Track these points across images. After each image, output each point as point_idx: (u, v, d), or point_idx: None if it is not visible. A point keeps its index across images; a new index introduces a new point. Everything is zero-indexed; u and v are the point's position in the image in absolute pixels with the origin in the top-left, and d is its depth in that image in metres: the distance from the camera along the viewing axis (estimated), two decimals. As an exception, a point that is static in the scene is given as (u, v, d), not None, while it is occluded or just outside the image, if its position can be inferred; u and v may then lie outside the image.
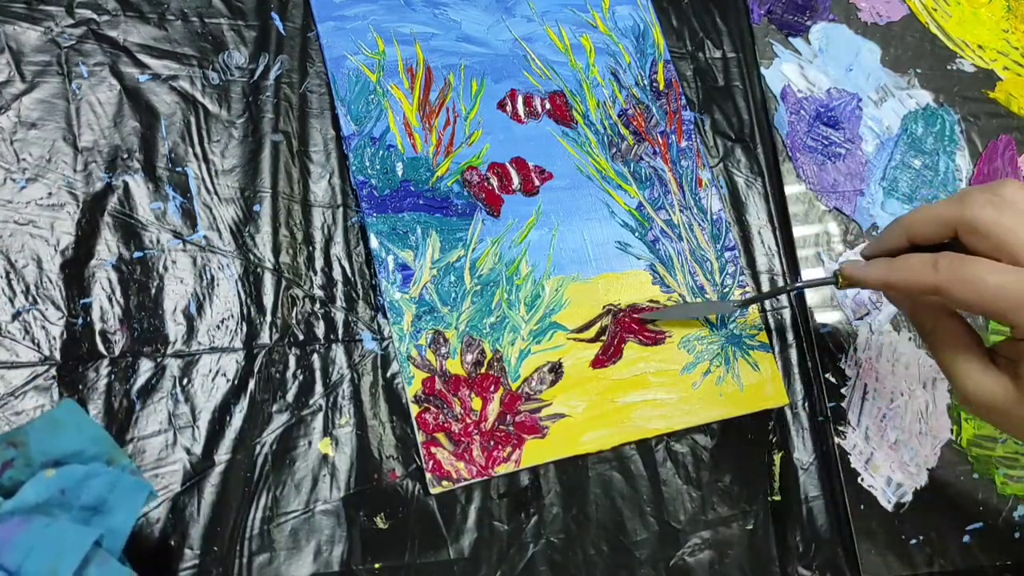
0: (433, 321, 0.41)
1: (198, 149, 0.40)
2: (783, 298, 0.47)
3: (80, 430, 0.28)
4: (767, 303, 0.47)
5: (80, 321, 0.36)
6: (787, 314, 0.47)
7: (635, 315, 0.43)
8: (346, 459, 0.38)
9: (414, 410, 0.39)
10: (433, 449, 0.39)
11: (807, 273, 0.48)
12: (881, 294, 0.48)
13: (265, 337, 0.39)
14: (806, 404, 0.46)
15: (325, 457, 0.38)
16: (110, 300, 0.37)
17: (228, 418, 0.37)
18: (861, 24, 0.55)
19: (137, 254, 0.38)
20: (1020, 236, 0.32)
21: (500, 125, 0.45)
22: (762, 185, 0.49)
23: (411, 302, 0.41)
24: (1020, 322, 0.32)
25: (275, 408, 0.38)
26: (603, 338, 0.43)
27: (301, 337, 0.39)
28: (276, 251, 0.40)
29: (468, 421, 0.40)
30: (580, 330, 0.43)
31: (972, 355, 0.35)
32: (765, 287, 0.47)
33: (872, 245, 0.39)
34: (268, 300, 0.39)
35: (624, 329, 0.43)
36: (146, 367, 0.37)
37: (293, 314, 0.39)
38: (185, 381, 0.37)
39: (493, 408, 0.40)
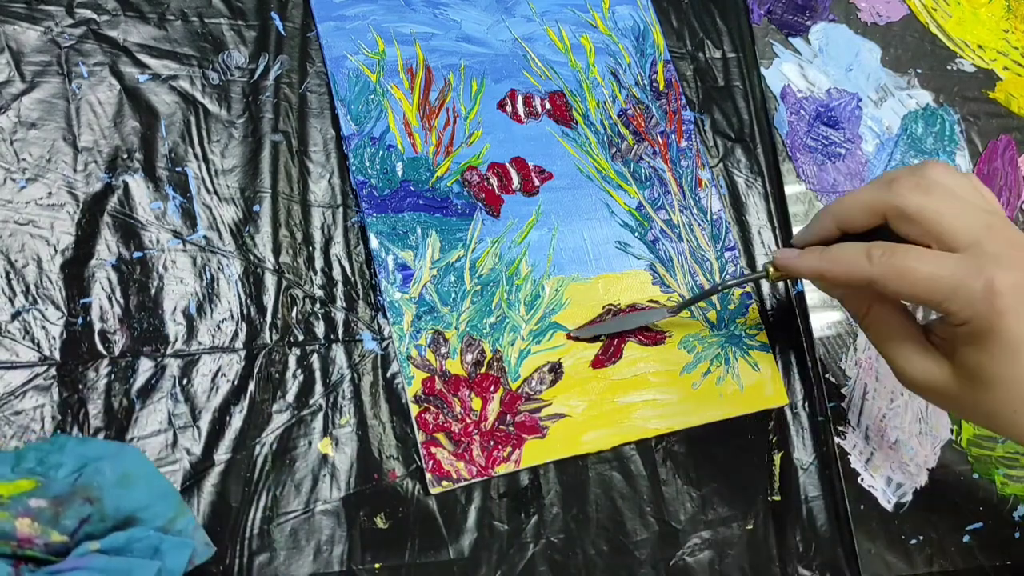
0: (433, 321, 0.41)
1: (198, 149, 0.40)
2: (783, 297, 0.47)
3: (150, 484, 0.29)
4: (767, 303, 0.47)
5: (80, 321, 0.36)
6: (787, 314, 0.47)
7: (569, 335, 0.42)
8: (346, 459, 0.38)
9: (414, 410, 0.39)
10: (433, 449, 0.39)
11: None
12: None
13: (265, 337, 0.39)
14: (806, 404, 0.46)
15: (325, 457, 0.38)
16: (110, 300, 0.37)
17: (228, 418, 0.37)
18: (861, 24, 0.55)
19: (137, 254, 0.38)
20: (949, 220, 0.32)
21: (500, 125, 0.45)
22: (762, 185, 0.49)
23: (411, 302, 0.41)
24: (954, 310, 0.31)
25: (275, 408, 0.38)
26: (603, 338, 0.43)
27: (301, 337, 0.39)
28: (276, 251, 0.40)
29: (468, 421, 0.40)
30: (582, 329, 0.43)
31: (909, 340, 0.35)
32: (765, 287, 0.47)
33: (802, 233, 0.38)
34: (268, 300, 0.39)
35: (629, 334, 0.43)
36: (146, 367, 0.37)
37: (293, 314, 0.39)
38: (185, 381, 0.37)
39: (493, 408, 0.40)
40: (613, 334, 0.43)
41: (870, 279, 0.33)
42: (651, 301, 0.44)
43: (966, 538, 0.45)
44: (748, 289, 0.46)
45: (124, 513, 0.28)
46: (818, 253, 0.36)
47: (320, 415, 0.38)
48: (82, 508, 0.27)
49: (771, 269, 0.38)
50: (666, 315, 0.43)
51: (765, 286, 0.47)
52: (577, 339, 0.42)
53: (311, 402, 0.38)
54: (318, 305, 0.40)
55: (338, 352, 0.39)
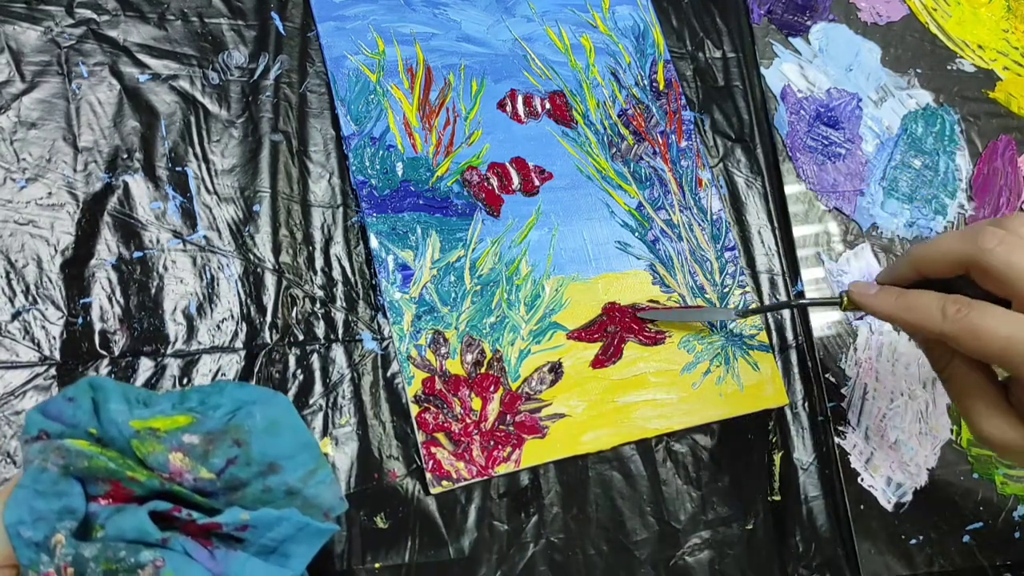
0: (433, 321, 0.41)
1: (198, 149, 0.40)
2: (784, 297, 0.47)
3: (295, 433, 0.30)
4: (769, 301, 0.47)
5: (80, 321, 0.36)
6: (787, 314, 0.47)
7: (637, 312, 0.43)
8: (346, 459, 0.38)
9: (414, 410, 0.39)
10: (433, 449, 0.39)
11: (807, 273, 0.48)
12: None
13: (265, 337, 0.39)
14: (806, 404, 0.46)
15: (325, 457, 0.38)
16: (110, 300, 0.37)
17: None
18: (861, 24, 0.55)
19: (137, 254, 0.38)
20: None
21: (500, 125, 0.45)
22: (762, 185, 0.49)
23: (411, 302, 0.41)
24: None
25: (275, 408, 0.38)
26: (607, 328, 0.43)
27: (301, 337, 0.39)
28: (276, 251, 0.40)
29: (468, 421, 0.40)
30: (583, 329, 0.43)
31: (987, 398, 0.35)
32: (765, 287, 0.47)
33: (885, 272, 0.38)
34: (268, 300, 0.39)
35: (624, 329, 0.43)
36: (146, 367, 0.37)
37: (293, 314, 0.39)
38: (185, 381, 0.37)
39: (493, 408, 0.40)
40: (677, 321, 0.44)
41: (943, 334, 0.33)
42: (651, 301, 0.44)
43: (966, 538, 0.45)
44: (748, 290, 0.46)
45: (269, 459, 0.29)
46: (895, 296, 0.35)
47: (320, 415, 0.38)
48: (230, 449, 0.28)
49: (845, 298, 0.37)
50: (733, 316, 0.43)
51: (765, 286, 0.47)
52: (644, 319, 0.43)
53: (311, 402, 0.38)
54: (318, 305, 0.40)
55: (338, 352, 0.39)
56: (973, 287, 0.33)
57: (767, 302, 0.47)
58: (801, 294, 0.47)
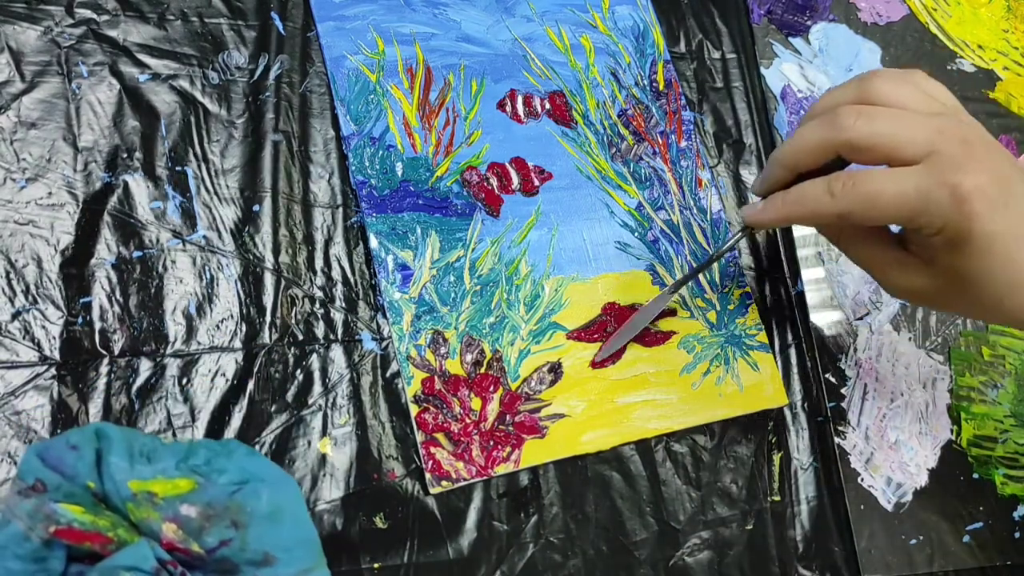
0: (433, 321, 0.41)
1: (198, 149, 0.40)
2: (783, 297, 0.47)
3: (297, 526, 0.28)
4: (767, 302, 0.47)
5: (80, 321, 0.36)
6: (787, 314, 0.47)
7: (592, 365, 0.42)
8: (345, 459, 0.38)
9: (413, 410, 0.39)
10: (433, 449, 0.39)
11: (807, 273, 0.48)
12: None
13: (265, 337, 0.39)
14: (806, 404, 0.46)
15: (324, 457, 0.38)
16: (110, 300, 0.37)
17: (227, 418, 0.37)
18: (861, 24, 0.55)
19: (137, 254, 0.38)
20: (900, 138, 0.32)
21: (500, 125, 0.45)
22: (762, 185, 0.49)
23: (411, 302, 0.41)
24: (926, 223, 0.32)
25: (274, 408, 0.38)
26: (606, 328, 0.43)
27: (301, 337, 0.39)
28: (276, 251, 0.40)
29: (467, 421, 0.40)
30: (583, 328, 0.43)
31: (886, 255, 0.36)
32: (766, 287, 0.47)
33: (759, 182, 0.38)
34: (268, 300, 0.39)
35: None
36: (146, 367, 0.37)
37: (293, 314, 0.39)
38: (184, 381, 0.37)
39: (492, 408, 0.40)
40: (628, 342, 0.43)
41: (837, 214, 0.33)
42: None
43: (966, 538, 0.45)
44: (748, 289, 0.46)
45: (264, 549, 0.27)
46: (780, 199, 0.36)
47: (319, 415, 0.38)
48: (227, 530, 0.27)
49: (745, 224, 0.38)
50: (667, 297, 0.42)
51: (766, 287, 0.47)
52: (602, 364, 0.42)
53: (310, 402, 0.38)
54: (318, 305, 0.40)
55: (337, 352, 0.39)
56: (846, 165, 0.34)
57: (767, 302, 0.47)
58: (801, 295, 0.47)
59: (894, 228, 0.36)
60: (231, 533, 0.27)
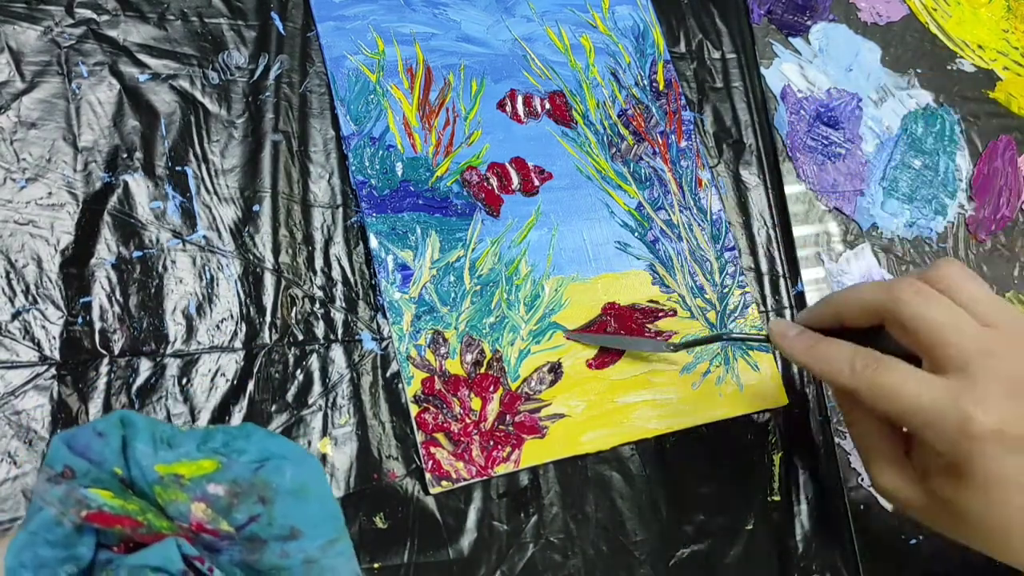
0: (433, 321, 0.41)
1: (198, 149, 0.40)
2: (784, 297, 0.47)
3: (322, 503, 0.29)
4: (767, 302, 0.47)
5: (80, 321, 0.36)
6: (787, 314, 0.47)
7: (569, 334, 0.42)
8: (345, 459, 0.38)
9: (413, 410, 0.39)
10: (432, 449, 0.39)
11: (807, 274, 0.48)
12: None
13: (264, 337, 0.39)
14: (806, 404, 0.46)
15: (324, 457, 0.38)
16: (110, 299, 0.37)
17: (227, 418, 0.37)
18: (861, 24, 0.55)
19: (137, 253, 0.38)
20: (943, 337, 0.30)
21: (500, 125, 0.45)
22: (762, 185, 0.49)
23: (411, 302, 0.41)
24: (931, 439, 0.30)
25: (274, 408, 0.38)
26: (606, 328, 0.43)
27: (301, 337, 0.39)
28: (276, 251, 0.40)
29: (467, 421, 0.40)
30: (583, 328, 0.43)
31: (886, 453, 0.34)
32: (766, 287, 0.47)
33: (805, 313, 0.37)
34: (268, 300, 0.39)
35: (624, 329, 0.43)
36: (146, 367, 0.37)
37: (293, 314, 0.39)
38: (184, 381, 0.37)
39: (492, 408, 0.40)
40: (606, 348, 0.43)
41: (849, 389, 0.32)
42: (651, 301, 0.44)
43: (966, 538, 0.45)
44: (748, 290, 0.46)
45: (291, 523, 0.28)
46: (809, 344, 0.35)
47: (319, 415, 0.38)
48: (255, 506, 0.27)
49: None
50: (664, 349, 0.42)
51: (766, 287, 0.47)
52: (573, 340, 0.42)
53: (310, 402, 0.38)
54: (318, 305, 0.40)
55: (337, 352, 0.39)
56: (894, 340, 0.32)
57: (767, 302, 0.47)
58: (801, 295, 0.47)
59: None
60: (259, 509, 0.27)
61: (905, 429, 0.34)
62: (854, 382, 0.32)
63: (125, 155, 0.39)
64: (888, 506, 0.45)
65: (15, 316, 0.36)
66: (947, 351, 0.30)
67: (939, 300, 0.31)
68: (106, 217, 0.38)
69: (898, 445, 0.35)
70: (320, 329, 0.40)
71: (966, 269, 0.33)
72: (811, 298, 0.47)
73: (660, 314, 0.44)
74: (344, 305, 0.40)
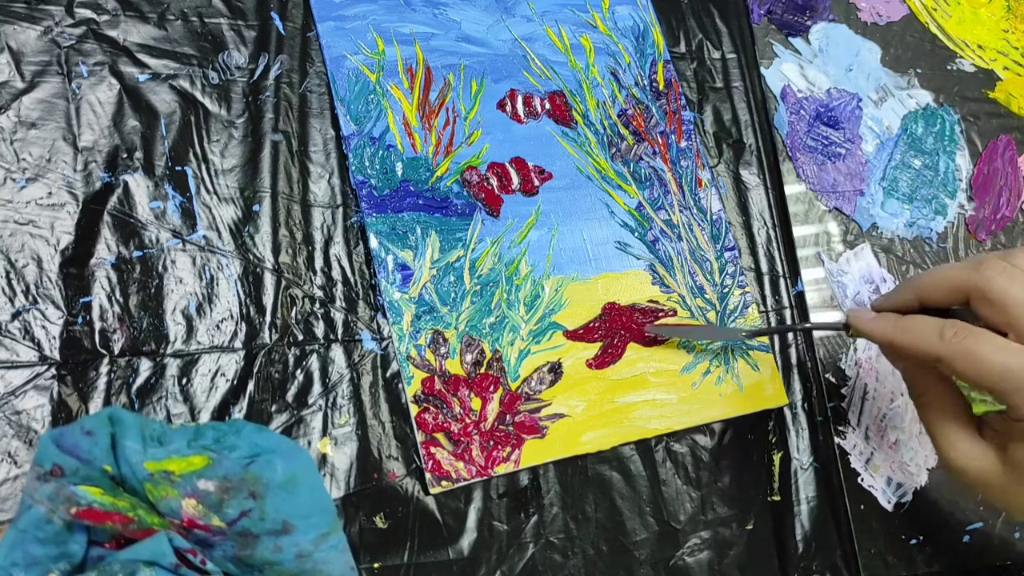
0: (433, 321, 0.41)
1: (198, 149, 0.40)
2: (784, 297, 0.47)
3: (313, 494, 0.29)
4: (767, 302, 0.47)
5: (80, 321, 0.36)
6: (787, 314, 0.47)
7: (644, 328, 0.43)
8: (345, 459, 0.38)
9: (413, 410, 0.39)
10: (432, 449, 0.39)
11: (807, 274, 0.48)
12: None
13: (264, 337, 0.39)
14: (806, 404, 0.46)
15: (324, 457, 0.38)
16: (110, 299, 0.37)
17: (227, 418, 0.37)
18: (861, 24, 0.55)
19: (137, 253, 0.38)
20: None
21: (500, 125, 0.45)
22: (762, 185, 0.49)
23: (411, 302, 0.41)
24: (1018, 404, 0.32)
25: (274, 408, 0.38)
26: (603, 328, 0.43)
27: (301, 337, 0.39)
28: (276, 251, 0.40)
29: (467, 421, 0.40)
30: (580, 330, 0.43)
31: (960, 423, 0.35)
32: (766, 288, 0.47)
33: (883, 299, 0.38)
34: (268, 300, 0.39)
35: (624, 330, 0.43)
36: (145, 366, 0.37)
37: (292, 314, 0.39)
38: (184, 381, 0.37)
39: (492, 408, 0.40)
40: (607, 348, 0.43)
41: (938, 356, 0.33)
42: (651, 301, 0.44)
43: (966, 538, 0.45)
44: (748, 290, 0.47)
45: (283, 517, 0.28)
46: (893, 320, 0.36)
47: (319, 415, 0.38)
48: (245, 501, 0.27)
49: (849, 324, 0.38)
50: (742, 338, 0.44)
51: (766, 287, 0.47)
52: (656, 337, 0.43)
53: (310, 402, 0.38)
54: (318, 305, 0.40)
55: (337, 352, 0.39)
56: (972, 321, 0.33)
57: (767, 302, 0.47)
58: (801, 295, 0.47)
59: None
60: (250, 504, 0.27)
61: (988, 400, 0.35)
62: (944, 349, 0.33)
63: (125, 155, 0.39)
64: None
65: (15, 316, 0.36)
66: None
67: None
68: (106, 217, 0.38)
69: (972, 426, 0.36)
70: (320, 329, 0.40)
71: None
72: (811, 298, 0.47)
73: (660, 314, 0.44)
74: (344, 305, 0.40)
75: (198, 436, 0.28)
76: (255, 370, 0.38)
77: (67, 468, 0.27)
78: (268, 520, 0.28)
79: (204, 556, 0.27)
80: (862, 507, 0.44)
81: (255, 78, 0.42)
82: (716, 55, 0.51)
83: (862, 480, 0.45)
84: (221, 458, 0.27)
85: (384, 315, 0.40)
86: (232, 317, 0.38)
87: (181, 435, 0.28)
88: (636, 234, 0.45)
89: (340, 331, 0.40)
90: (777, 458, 0.44)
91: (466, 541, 0.39)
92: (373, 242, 0.41)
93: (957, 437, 0.35)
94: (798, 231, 0.48)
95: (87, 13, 0.40)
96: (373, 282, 0.41)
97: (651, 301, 0.44)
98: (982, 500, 0.36)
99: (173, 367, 0.37)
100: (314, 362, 0.39)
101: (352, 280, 0.41)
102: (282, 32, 0.43)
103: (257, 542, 0.28)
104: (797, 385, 0.46)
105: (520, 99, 0.46)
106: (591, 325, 0.43)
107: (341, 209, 0.42)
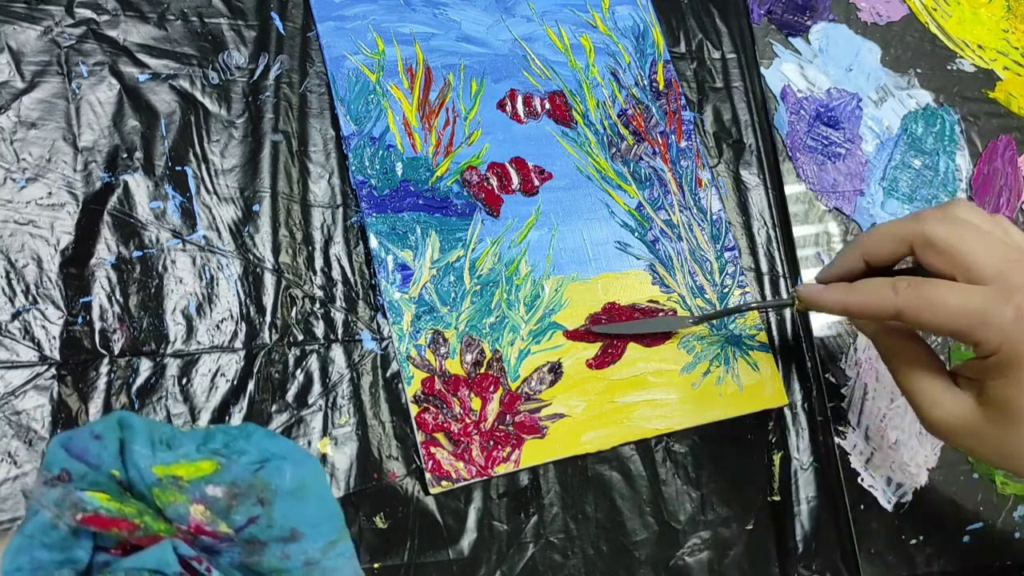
0: (433, 321, 0.41)
1: (198, 149, 0.40)
2: (784, 297, 0.47)
3: (322, 503, 0.28)
4: (766, 302, 0.47)
5: (80, 321, 0.36)
6: (787, 314, 0.47)
7: (590, 329, 0.43)
8: (345, 459, 0.38)
9: (413, 410, 0.39)
10: (432, 449, 0.39)
11: (807, 274, 0.48)
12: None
13: (264, 337, 0.39)
14: (806, 404, 0.46)
15: (324, 457, 0.38)
16: (110, 299, 0.37)
17: (227, 418, 0.37)
18: (861, 24, 0.55)
19: (137, 253, 0.38)
20: (975, 251, 0.32)
21: (500, 125, 0.45)
22: (762, 185, 0.49)
23: (411, 302, 0.41)
24: (983, 339, 0.32)
25: (274, 408, 0.38)
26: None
27: (301, 337, 0.39)
28: (276, 251, 0.40)
29: (467, 421, 0.40)
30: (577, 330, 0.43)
31: (934, 376, 0.36)
32: (766, 288, 0.47)
33: (827, 269, 0.38)
34: (268, 300, 0.39)
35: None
36: (145, 367, 0.37)
37: (293, 314, 0.39)
38: (184, 381, 0.37)
39: (492, 408, 0.40)
40: (629, 335, 0.43)
41: (896, 310, 0.33)
42: (651, 301, 0.44)
43: (966, 538, 0.45)
44: (749, 290, 0.46)
45: (291, 524, 0.27)
46: (843, 288, 0.36)
47: (319, 415, 0.38)
48: (254, 508, 0.27)
49: (797, 300, 0.38)
50: (687, 324, 0.43)
51: (766, 287, 0.47)
52: (598, 335, 0.43)
53: (310, 402, 0.38)
54: (318, 305, 0.40)
55: (337, 352, 0.39)
56: (918, 274, 0.34)
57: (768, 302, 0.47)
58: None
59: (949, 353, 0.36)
60: (258, 510, 0.27)
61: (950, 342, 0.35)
62: (901, 301, 0.33)
63: (125, 155, 0.39)
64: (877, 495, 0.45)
65: (15, 316, 0.36)
66: (981, 263, 0.32)
67: (965, 224, 0.33)
68: (106, 217, 0.38)
69: (942, 367, 0.36)
70: (320, 329, 0.40)
71: (976, 206, 0.35)
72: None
73: (660, 314, 0.44)
74: (344, 305, 0.40)
75: (207, 440, 0.28)
76: (255, 370, 0.38)
77: (75, 473, 0.27)
78: (276, 527, 0.27)
79: (210, 563, 0.27)
80: (862, 507, 0.44)
81: (255, 78, 0.42)
82: (716, 55, 0.51)
83: (862, 480, 0.45)
84: (230, 463, 0.27)
85: (384, 315, 0.40)
86: (232, 317, 0.38)
87: (190, 439, 0.28)
88: (636, 234, 0.45)
89: (340, 331, 0.40)
90: (777, 458, 0.44)
91: (466, 541, 0.39)
92: (373, 242, 0.41)
93: (933, 390, 0.35)
94: (798, 231, 0.48)
95: (87, 13, 0.40)
96: (373, 282, 0.41)
97: (651, 301, 0.44)
98: (969, 452, 0.36)
99: (173, 367, 0.37)
100: (314, 362, 0.39)
101: (352, 280, 0.41)
102: (282, 32, 0.43)
103: (265, 549, 0.28)
104: (797, 385, 0.46)
105: (520, 99, 0.46)
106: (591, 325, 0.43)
107: (341, 209, 0.42)
